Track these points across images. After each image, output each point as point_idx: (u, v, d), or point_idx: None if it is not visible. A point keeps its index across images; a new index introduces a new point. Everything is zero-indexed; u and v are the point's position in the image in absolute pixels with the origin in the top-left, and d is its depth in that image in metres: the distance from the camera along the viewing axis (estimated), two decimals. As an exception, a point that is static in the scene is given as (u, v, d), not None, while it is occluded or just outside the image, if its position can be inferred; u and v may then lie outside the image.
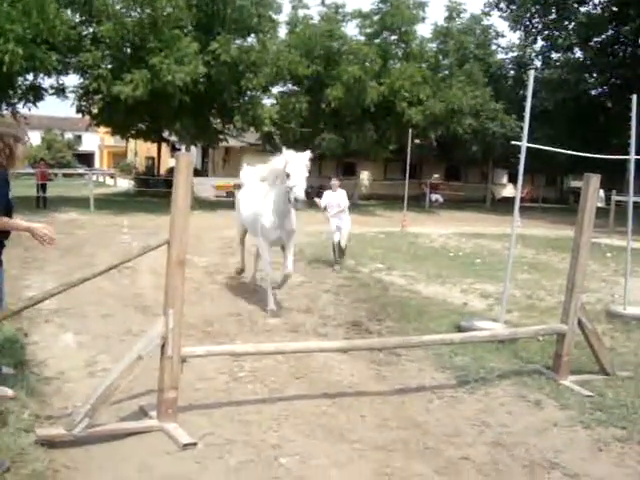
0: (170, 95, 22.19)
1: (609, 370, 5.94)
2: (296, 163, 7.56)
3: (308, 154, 7.75)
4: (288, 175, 7.46)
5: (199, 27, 23.86)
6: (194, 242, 12.60)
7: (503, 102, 33.04)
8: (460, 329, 7.08)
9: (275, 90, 30.34)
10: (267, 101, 29.81)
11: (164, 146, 31.92)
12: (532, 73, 7.65)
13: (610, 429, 4.79)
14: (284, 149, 7.94)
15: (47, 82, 24.32)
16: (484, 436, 4.62)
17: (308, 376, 5.70)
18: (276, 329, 7.22)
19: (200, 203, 24.94)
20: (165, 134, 30.08)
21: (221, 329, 7.10)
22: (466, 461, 4.20)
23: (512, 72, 39.42)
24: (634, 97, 8.41)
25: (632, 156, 8.59)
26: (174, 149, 32.76)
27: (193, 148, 31.09)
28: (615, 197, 20.90)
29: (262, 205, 8.16)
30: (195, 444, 4.18)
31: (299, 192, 7.37)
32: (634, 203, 9.07)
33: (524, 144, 7.16)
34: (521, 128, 7.95)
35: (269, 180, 8.20)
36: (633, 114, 8.42)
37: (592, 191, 5.73)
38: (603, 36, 35.12)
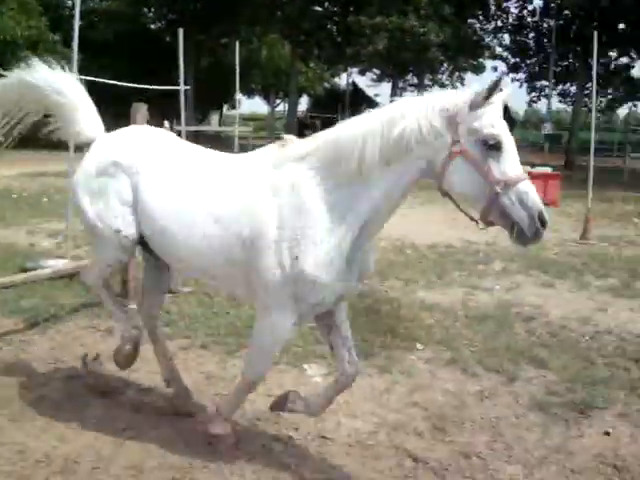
0: None
1: (174, 288, 6.39)
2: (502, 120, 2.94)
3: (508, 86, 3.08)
4: (497, 145, 2.85)
5: None
6: None
7: (61, 33, 31.38)
8: (26, 271, 6.80)
9: None
10: None
11: None
12: (78, 2, 7.41)
13: (176, 340, 5.24)
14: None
15: None
16: (59, 372, 4.65)
17: None
18: None
19: None
20: None
21: None
22: (42, 400, 4.19)
23: (70, 2, 37.57)
24: (180, 31, 8.89)
25: (182, 87, 9.05)
26: None
27: None
28: (176, 128, 22.07)
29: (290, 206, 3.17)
30: None
31: (541, 208, 2.85)
32: (189, 132, 9.68)
33: (76, 76, 6.97)
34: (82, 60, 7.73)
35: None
36: (180, 47, 8.89)
37: (140, 118, 5.98)
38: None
